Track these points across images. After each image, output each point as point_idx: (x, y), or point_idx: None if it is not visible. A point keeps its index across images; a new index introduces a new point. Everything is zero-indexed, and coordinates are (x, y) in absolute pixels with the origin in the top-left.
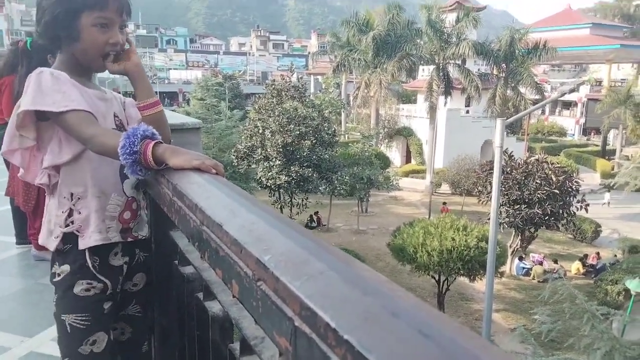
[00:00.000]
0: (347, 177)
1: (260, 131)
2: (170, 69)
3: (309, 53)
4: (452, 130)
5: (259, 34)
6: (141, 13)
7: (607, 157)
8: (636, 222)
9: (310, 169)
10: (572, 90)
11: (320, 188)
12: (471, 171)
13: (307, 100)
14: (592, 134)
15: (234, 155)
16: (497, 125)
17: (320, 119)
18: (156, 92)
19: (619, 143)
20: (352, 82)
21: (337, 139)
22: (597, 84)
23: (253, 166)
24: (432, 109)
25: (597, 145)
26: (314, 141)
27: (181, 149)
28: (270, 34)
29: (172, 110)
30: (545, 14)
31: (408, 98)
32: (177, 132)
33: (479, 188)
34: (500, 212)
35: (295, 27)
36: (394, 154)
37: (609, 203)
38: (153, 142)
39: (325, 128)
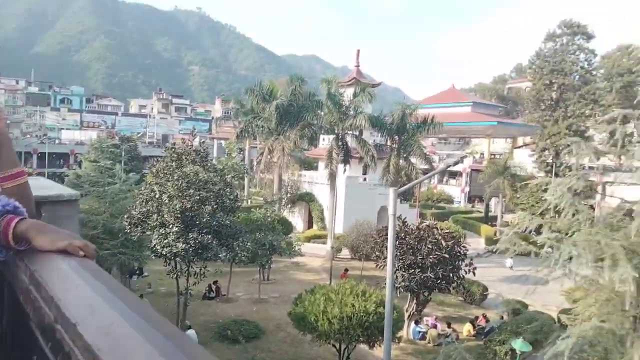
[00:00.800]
0: (249, 244)
1: (157, 196)
2: (63, 128)
3: (213, 118)
4: (351, 197)
5: (161, 96)
6: (34, 70)
7: (490, 223)
8: (518, 284)
9: (210, 236)
10: (455, 163)
11: (220, 255)
12: (369, 236)
13: (208, 164)
14: (476, 201)
15: (127, 222)
16: (390, 194)
17: (222, 184)
18: (45, 153)
19: (500, 210)
20: (256, 147)
21: (239, 204)
22: (481, 155)
23: (148, 233)
24: (332, 176)
25: (480, 212)
26: (215, 206)
27: (48, 226)
28: (172, 97)
29: (62, 173)
30: (432, 92)
31: (310, 165)
32: (51, 205)
33: (377, 253)
34: (397, 276)
35: (200, 92)
36: (297, 219)
37: (512, 267)
38: (16, 219)
39: (227, 193)
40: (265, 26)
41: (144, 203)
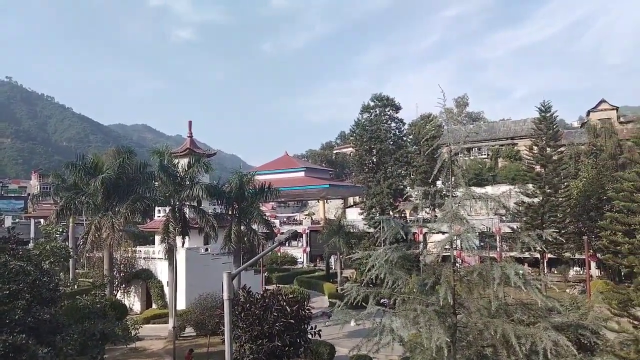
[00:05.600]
0: (75, 335)
1: None
2: None
3: (29, 195)
4: (192, 269)
5: None
6: None
7: (331, 280)
8: (357, 337)
9: (24, 335)
10: (287, 239)
11: (39, 353)
12: (214, 310)
13: (20, 252)
14: (318, 260)
15: None
16: (224, 279)
17: (37, 273)
18: None
19: (339, 267)
20: (83, 224)
21: (59, 293)
22: (325, 218)
23: None
24: (170, 250)
25: (323, 270)
26: (29, 299)
27: None
28: None
29: None
30: (268, 158)
31: (146, 239)
32: None
33: (222, 327)
34: (244, 349)
35: (13, 167)
36: (133, 299)
37: (357, 324)
38: None
39: (45, 282)
40: (87, 97)
41: None
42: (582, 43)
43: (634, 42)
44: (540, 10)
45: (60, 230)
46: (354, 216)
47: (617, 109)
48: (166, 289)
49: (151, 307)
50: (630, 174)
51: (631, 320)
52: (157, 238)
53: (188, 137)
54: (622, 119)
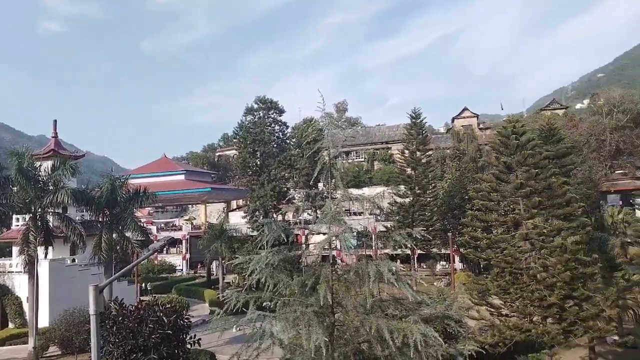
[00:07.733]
0: None
1: None
2: None
3: None
4: (57, 283)
5: None
6: None
7: (213, 287)
8: (238, 343)
9: None
10: (162, 247)
11: None
12: (82, 325)
13: None
14: (198, 266)
15: None
16: (90, 292)
17: None
18: None
19: (221, 272)
20: None
21: None
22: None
23: None
24: (31, 262)
25: (204, 277)
26: None
27: None
28: None
29: None
30: (145, 161)
31: (2, 251)
32: None
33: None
34: None
35: None
36: None
37: (237, 328)
38: None
39: None
40: None
41: None
42: (449, 56)
43: (494, 56)
44: (412, 23)
45: None
46: (237, 220)
47: (477, 116)
48: (25, 306)
49: (7, 326)
50: (488, 175)
51: (488, 308)
52: (15, 249)
53: (52, 137)
54: (481, 126)
